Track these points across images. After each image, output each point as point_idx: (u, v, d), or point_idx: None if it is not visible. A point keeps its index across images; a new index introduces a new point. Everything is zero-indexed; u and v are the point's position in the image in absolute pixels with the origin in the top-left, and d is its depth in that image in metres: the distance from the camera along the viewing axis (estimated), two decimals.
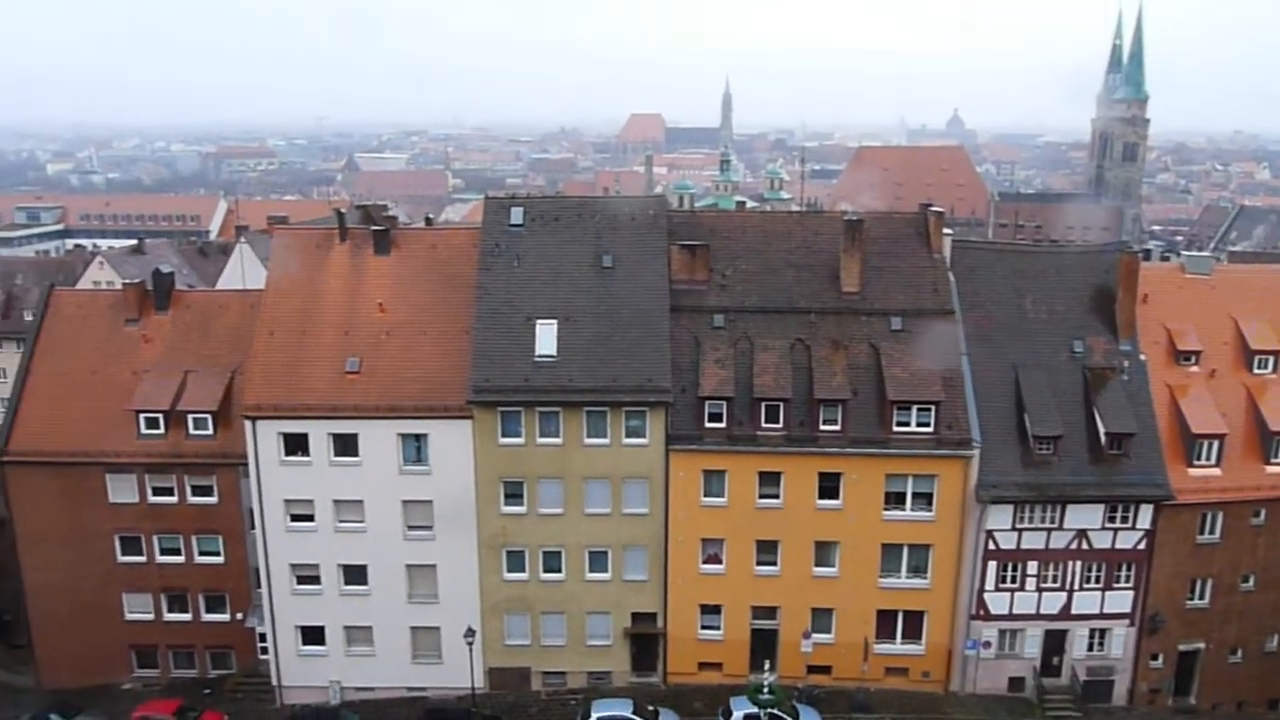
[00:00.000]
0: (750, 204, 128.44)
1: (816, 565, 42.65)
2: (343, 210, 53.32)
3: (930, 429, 40.89)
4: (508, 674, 44.74)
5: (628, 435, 41.85)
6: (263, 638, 45.75)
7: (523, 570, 43.50)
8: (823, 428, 41.26)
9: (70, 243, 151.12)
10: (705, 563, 43.12)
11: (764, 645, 43.67)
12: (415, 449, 42.60)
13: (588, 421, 41.76)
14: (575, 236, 44.63)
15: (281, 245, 46.60)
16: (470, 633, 42.47)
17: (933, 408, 40.78)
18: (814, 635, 43.24)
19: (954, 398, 41.28)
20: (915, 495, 41.65)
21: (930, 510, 41.63)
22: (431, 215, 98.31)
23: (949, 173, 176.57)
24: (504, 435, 41.99)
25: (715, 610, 43.65)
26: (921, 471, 41.26)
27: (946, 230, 45.75)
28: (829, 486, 41.75)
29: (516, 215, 45.37)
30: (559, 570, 43.49)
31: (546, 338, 42.17)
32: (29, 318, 66.95)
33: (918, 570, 42.48)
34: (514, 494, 42.71)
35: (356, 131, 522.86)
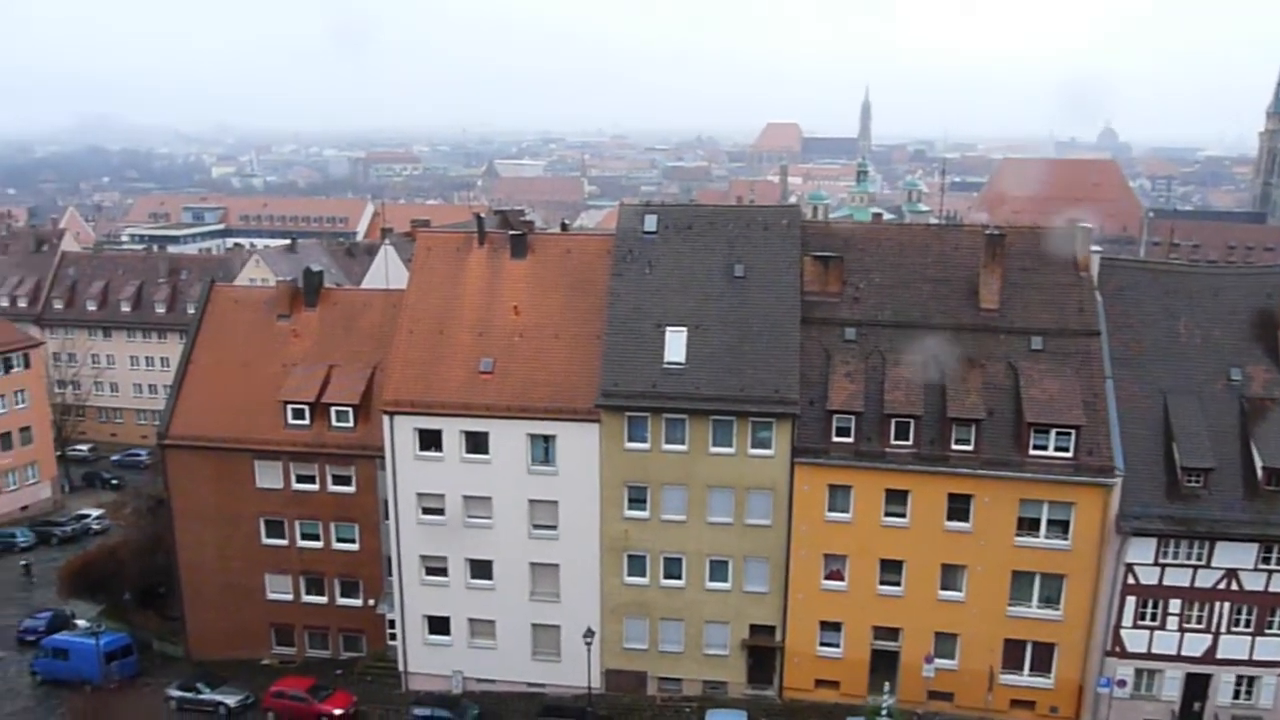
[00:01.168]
0: (887, 216, 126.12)
1: (942, 588, 41.55)
2: (482, 215, 54.86)
3: (1069, 454, 39.35)
4: (624, 676, 45.11)
5: (753, 445, 41.73)
6: (392, 624, 47.39)
7: (643, 575, 43.83)
8: (955, 447, 40.21)
9: (230, 241, 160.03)
10: (827, 578, 42.56)
11: (884, 666, 42.81)
12: (543, 449, 43.48)
13: (714, 430, 41.82)
14: (708, 245, 44.79)
15: (423, 248, 48.27)
16: (589, 633, 43.02)
17: (1073, 432, 39.24)
18: (936, 660, 42.12)
19: (1096, 423, 39.62)
20: (1050, 522, 40.12)
21: (1066, 539, 40.03)
22: (567, 221, 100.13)
23: (1099, 187, 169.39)
24: (630, 440, 42.45)
25: (835, 627, 43.03)
26: (1058, 498, 39.73)
27: (1095, 247, 44.02)
28: (959, 508, 40.63)
29: (650, 223, 45.83)
30: (679, 577, 43.65)
31: (676, 345, 42.45)
32: (191, 311, 71.26)
33: (1050, 601, 40.89)
34: (638, 499, 43.10)
35: (497, 139, 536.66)
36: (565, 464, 43.24)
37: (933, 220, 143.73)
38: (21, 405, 77.89)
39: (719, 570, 43.35)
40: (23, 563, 64.32)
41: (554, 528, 44.02)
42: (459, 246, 47.42)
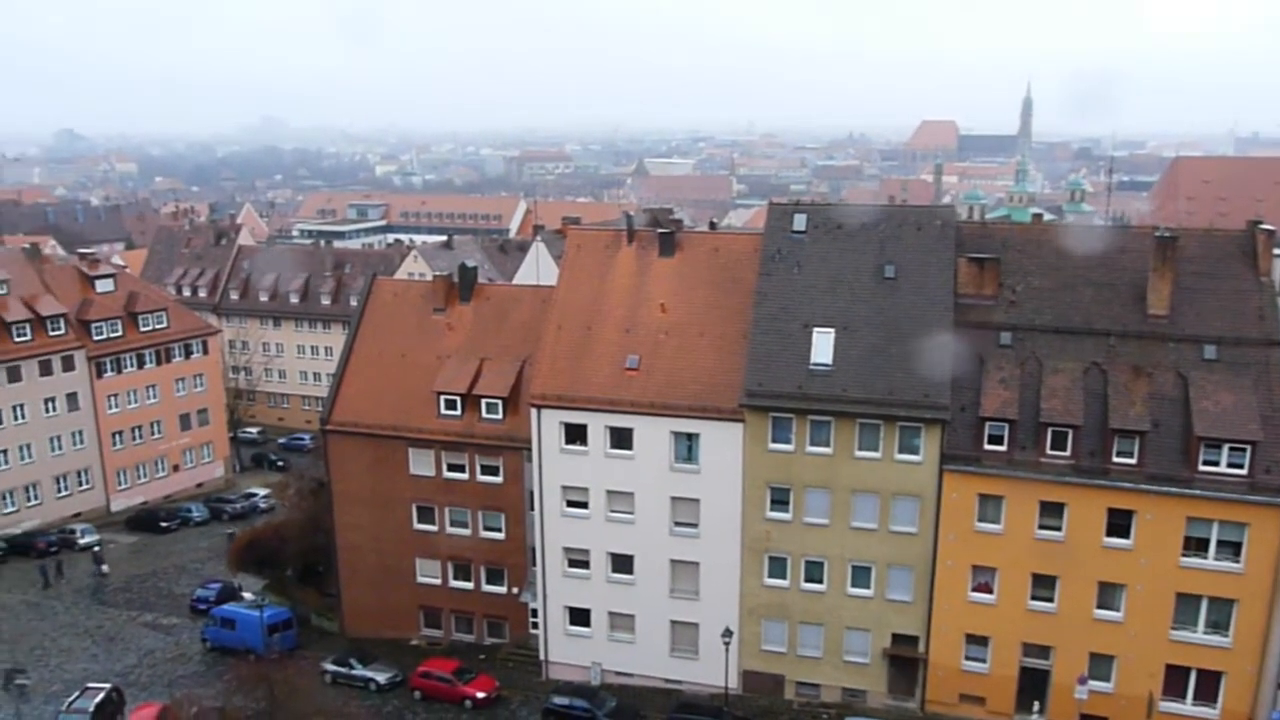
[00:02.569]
0: (1047, 217, 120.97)
1: (1099, 607, 39.60)
2: (631, 213, 55.46)
3: (1244, 471, 36.86)
4: (762, 678, 44.84)
5: (900, 450, 40.78)
6: (534, 613, 48.48)
7: (784, 577, 43.45)
8: (1116, 460, 38.26)
9: (391, 237, 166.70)
10: (975, 590, 41.19)
11: (1033, 685, 41.13)
12: (687, 447, 43.64)
13: (860, 433, 41.08)
14: (858, 245, 44.00)
15: (573, 245, 49.13)
16: (728, 633, 42.95)
17: (1248, 448, 36.74)
18: (1090, 682, 40.16)
19: (1275, 439, 36.99)
20: (1220, 543, 37.67)
21: (1238, 561, 37.53)
22: (715, 220, 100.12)
23: None
24: (774, 441, 42.14)
25: (982, 641, 41.61)
26: (1230, 518, 37.26)
27: (1278, 250, 41.05)
28: (1119, 524, 38.63)
29: (799, 222, 45.35)
30: (820, 581, 43.07)
31: (823, 346, 41.89)
32: (354, 303, 74.65)
33: (1218, 626, 38.41)
34: (780, 500, 42.75)
35: (647, 138, 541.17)
36: (708, 462, 43.29)
37: (1098, 221, 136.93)
38: (199, 389, 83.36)
39: (861, 576, 42.56)
40: (229, 532, 68.00)
41: (695, 526, 44.13)
42: (608, 244, 48.05)
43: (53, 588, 61.41)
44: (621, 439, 44.26)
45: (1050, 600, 40.17)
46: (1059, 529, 39.35)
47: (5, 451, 71.21)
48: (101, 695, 42.98)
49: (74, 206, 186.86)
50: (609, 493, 44.92)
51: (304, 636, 52.37)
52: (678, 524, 44.35)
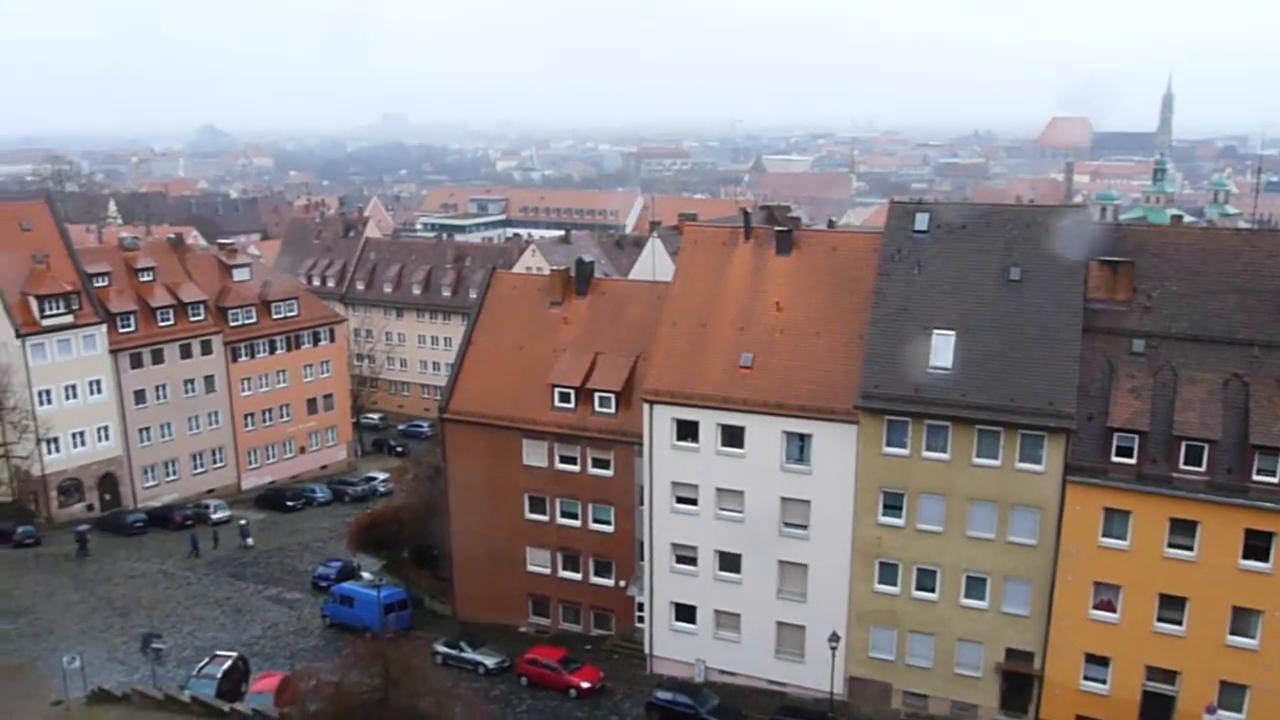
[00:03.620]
0: (1187, 219, 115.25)
1: (1232, 633, 37.54)
2: (748, 210, 55.13)
3: None
4: (868, 686, 44.08)
5: (1021, 459, 39.48)
6: (641, 607, 48.76)
7: (895, 584, 42.60)
8: (1256, 478, 36.20)
9: (510, 231, 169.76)
10: (1096, 608, 39.58)
11: (1156, 711, 39.28)
12: (799, 448, 43.19)
13: (979, 440, 39.93)
14: (982, 246, 42.74)
15: (690, 241, 49.13)
16: (835, 638, 42.36)
17: None
18: (1220, 712, 38.15)
19: None
20: None
21: None
22: (834, 218, 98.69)
23: None
24: (889, 444, 41.34)
25: (1103, 662, 39.97)
26: None
27: None
28: (1258, 546, 36.54)
29: (921, 221, 44.33)
30: (932, 590, 42.08)
31: (943, 349, 40.87)
32: (473, 295, 76.24)
33: None
34: (893, 505, 41.92)
35: (765, 134, 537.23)
36: (820, 464, 42.76)
37: (1243, 224, 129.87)
38: (326, 375, 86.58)
39: (976, 587, 41.39)
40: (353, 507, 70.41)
41: (805, 527, 43.65)
42: (725, 241, 47.90)
43: (200, 557, 64.71)
44: (733, 437, 44.10)
45: (1178, 623, 38.30)
46: (1190, 549, 37.47)
47: (148, 429, 75.37)
48: (229, 663, 45.10)
49: (215, 199, 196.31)
50: (719, 490, 44.81)
51: (417, 617, 53.84)
52: (787, 525, 43.94)
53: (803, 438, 43.03)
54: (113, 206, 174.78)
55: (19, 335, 68.57)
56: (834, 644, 42.36)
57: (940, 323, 41.43)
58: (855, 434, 41.71)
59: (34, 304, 69.28)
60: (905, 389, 40.65)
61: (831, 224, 77.41)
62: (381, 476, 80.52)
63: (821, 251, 46.21)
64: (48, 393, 69.76)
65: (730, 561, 45.50)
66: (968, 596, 41.55)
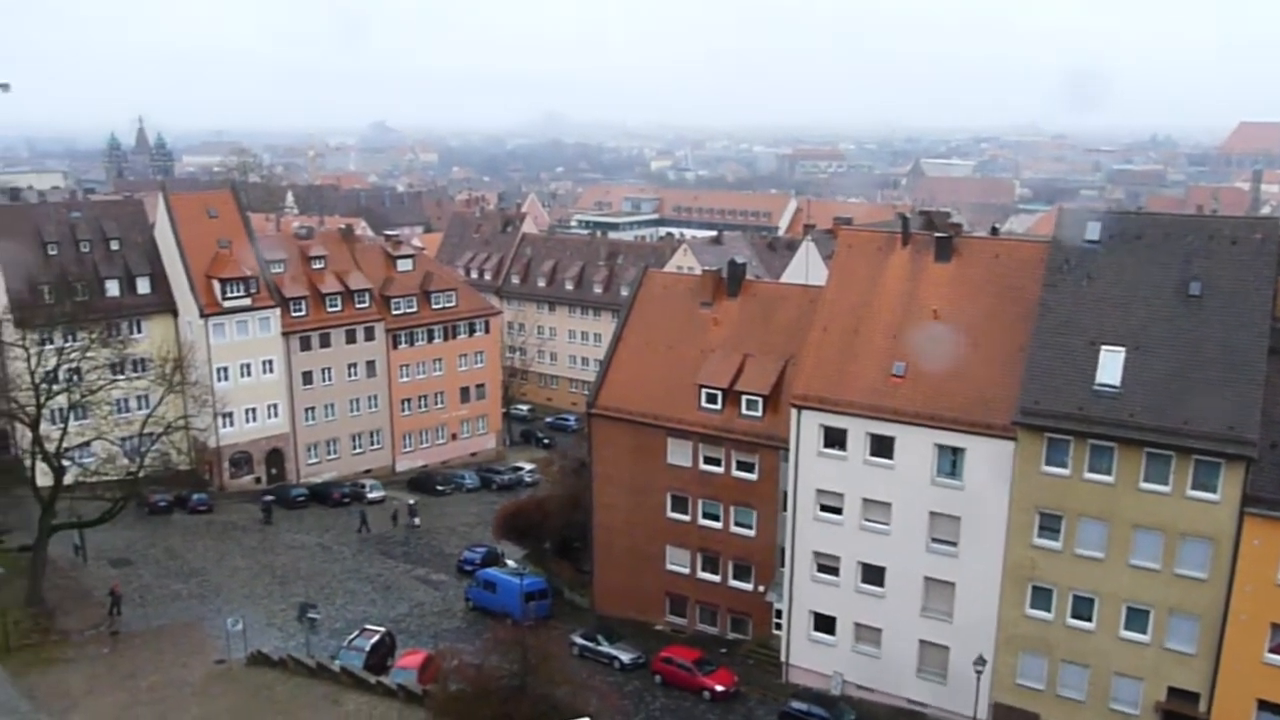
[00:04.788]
0: None
1: None
2: (906, 215, 53.71)
3: None
4: (1014, 714, 42.22)
5: (1194, 487, 37.02)
6: (779, 614, 48.16)
7: (1048, 610, 40.66)
8: None
9: (663, 230, 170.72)
10: (1272, 652, 36.75)
11: None
12: (950, 462, 41.80)
13: (1147, 464, 37.67)
14: (1159, 258, 40.29)
15: (845, 245, 48.22)
16: (981, 661, 40.78)
17: None
18: None
19: None
20: None
21: None
22: (997, 225, 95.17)
23: None
24: (1048, 463, 39.50)
25: (1278, 710, 37.11)
26: None
27: None
28: None
29: (1092, 230, 42.11)
30: (1089, 619, 39.95)
31: (1111, 366, 38.75)
32: (625, 293, 77.07)
33: None
34: (1050, 527, 40.02)
35: (926, 137, 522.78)
36: (973, 479, 41.24)
37: None
38: (479, 365, 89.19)
39: (1137, 620, 39.07)
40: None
41: (954, 544, 42.19)
42: (881, 246, 46.79)
43: (371, 532, 67.73)
44: (882, 447, 43.03)
45: None
46: None
47: (313, 409, 79.35)
48: (377, 637, 46.93)
49: (382, 192, 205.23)
50: (865, 500, 43.81)
51: (557, 607, 54.75)
52: (935, 540, 42.58)
53: (955, 451, 41.60)
54: (290, 197, 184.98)
55: (203, 315, 73.32)
56: (979, 667, 40.80)
57: (1110, 338, 39.28)
58: (1012, 451, 40.04)
59: (217, 286, 73.93)
60: (1068, 406, 38.74)
61: (994, 231, 74.46)
62: (528, 467, 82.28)
63: (983, 259, 44.55)
64: (225, 370, 74.34)
65: (873, 574, 44.43)
66: (1128, 629, 39.27)
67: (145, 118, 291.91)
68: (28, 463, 54.48)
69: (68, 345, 57.16)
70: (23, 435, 56.51)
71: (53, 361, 54.04)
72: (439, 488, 79.57)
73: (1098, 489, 38.68)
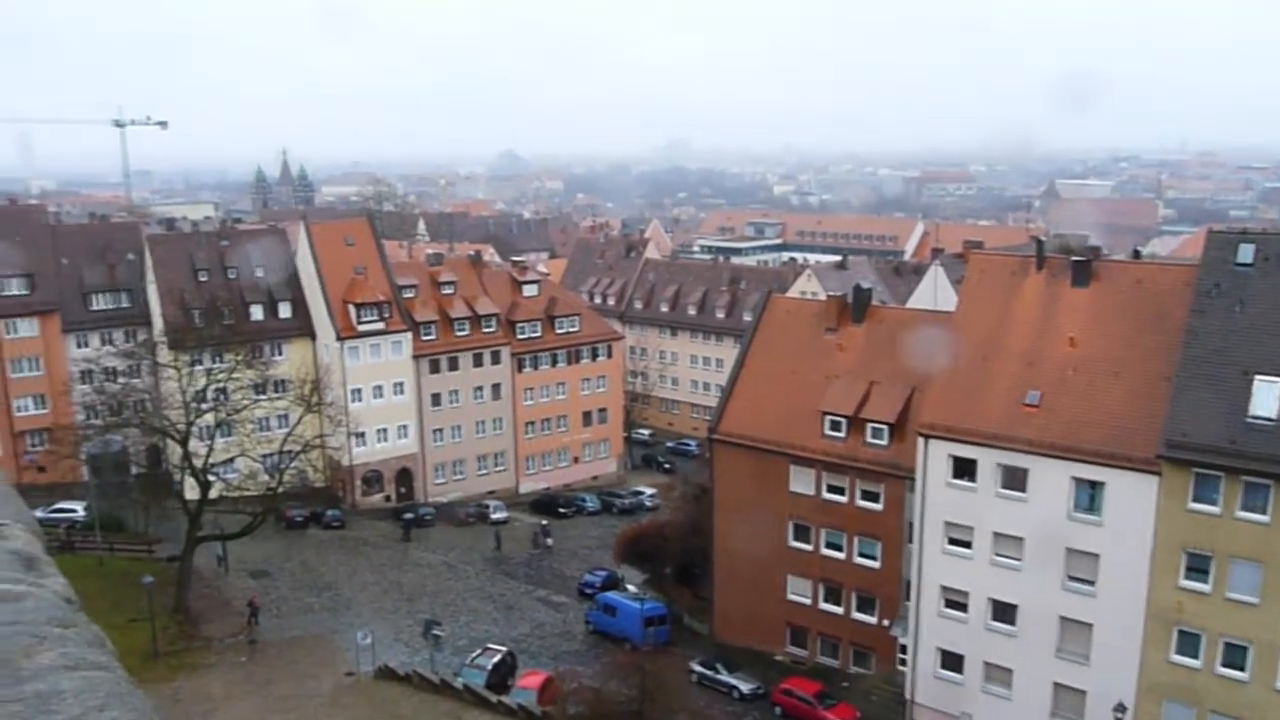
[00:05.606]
0: None
1: None
2: (1041, 238, 51.95)
3: None
4: None
5: None
6: (904, 649, 46.78)
7: (1196, 656, 38.28)
8: None
9: (786, 255, 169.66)
10: None
11: None
12: (1089, 496, 39.92)
13: None
14: None
15: (975, 270, 46.92)
16: (1121, 708, 38.61)
17: None
18: None
19: None
20: None
21: None
22: (1139, 247, 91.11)
23: None
24: (1195, 500, 37.31)
25: None
26: None
27: None
28: None
29: (1244, 253, 39.78)
30: (1242, 669, 37.42)
31: (1266, 397, 36.42)
32: (747, 318, 76.71)
33: None
34: (1198, 569, 37.73)
35: (1061, 157, 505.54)
36: (1112, 515, 39.27)
37: None
38: (602, 389, 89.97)
39: None
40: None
41: (1091, 583, 40.20)
42: (1014, 270, 45.30)
43: (502, 551, 69.08)
44: (1014, 479, 41.44)
45: None
46: None
47: (441, 430, 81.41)
48: (499, 656, 47.59)
49: (510, 219, 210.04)
50: (996, 534, 42.22)
51: (676, 634, 54.49)
52: (1071, 578, 40.66)
53: (1094, 485, 39.72)
54: (422, 225, 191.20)
55: (339, 338, 76.25)
56: (1119, 715, 38.64)
57: (1266, 368, 36.93)
58: (1156, 486, 37.99)
59: (352, 311, 76.78)
60: (1218, 440, 36.55)
61: (1136, 254, 71.26)
62: (649, 491, 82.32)
63: (1124, 284, 42.62)
64: (359, 391, 77.02)
65: (1005, 612, 42.70)
66: None
67: (289, 151, 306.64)
68: (177, 477, 57.46)
69: (215, 367, 60.33)
70: (173, 451, 59.67)
71: (201, 382, 57.09)
72: (561, 510, 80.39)
73: (1251, 529, 36.31)
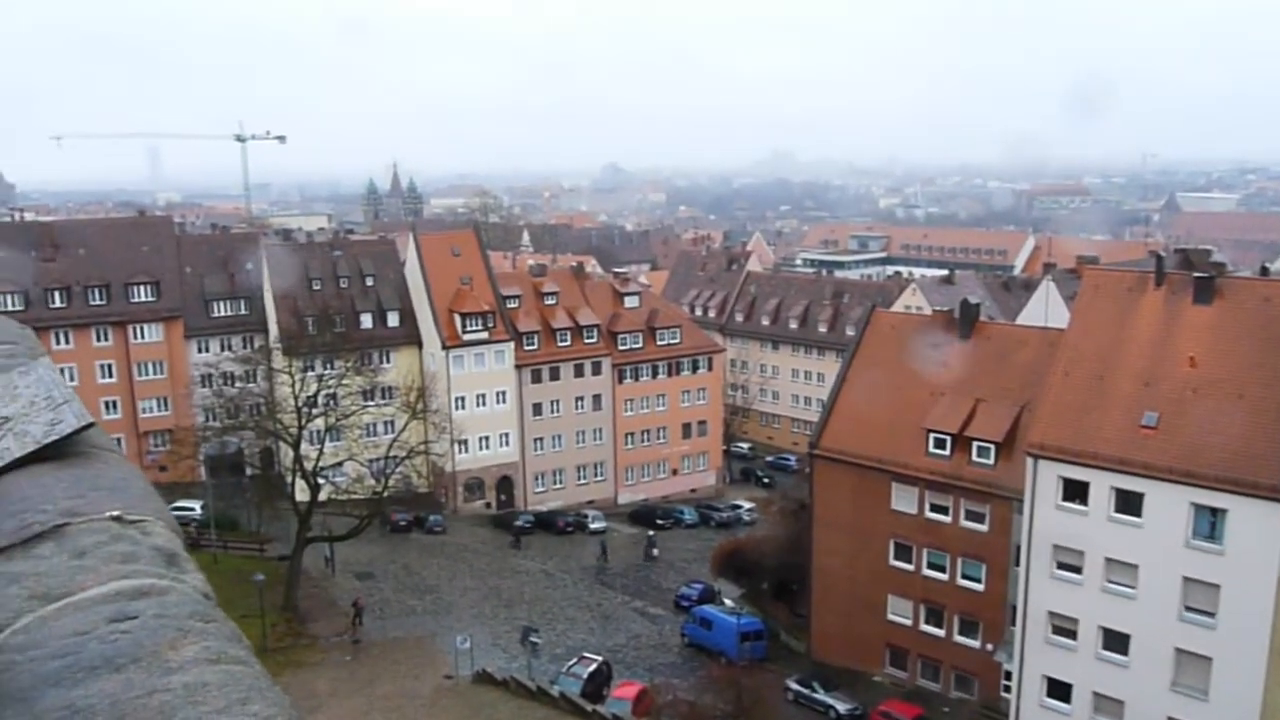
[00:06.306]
0: None
1: None
2: (1160, 253, 49.98)
3: None
4: None
5: None
6: (1008, 676, 45.35)
7: None
8: None
9: (891, 269, 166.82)
10: None
11: None
12: (1209, 523, 38.12)
13: None
14: None
15: (1090, 285, 45.39)
16: None
17: None
18: None
19: None
20: None
21: None
22: (1267, 264, 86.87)
23: None
24: None
25: None
26: None
27: None
28: None
29: None
30: None
31: None
32: (850, 332, 75.73)
33: None
34: None
35: (1182, 169, 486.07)
36: (1235, 544, 37.39)
37: None
38: (702, 402, 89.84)
39: None
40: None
41: (1211, 615, 38.32)
42: (1131, 286, 43.66)
43: (608, 561, 69.72)
44: (1129, 503, 39.85)
45: None
46: None
47: (541, 439, 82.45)
48: (594, 666, 47.85)
49: (612, 231, 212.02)
50: (1108, 560, 40.64)
51: (772, 650, 53.98)
52: (1189, 609, 38.84)
53: (1215, 512, 37.89)
54: (526, 236, 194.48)
55: (444, 347, 77.96)
56: None
57: None
58: None
59: (458, 320, 78.44)
60: None
61: (1264, 270, 67.94)
62: (747, 505, 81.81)
63: (1251, 302, 40.66)
64: (462, 399, 78.56)
65: (1116, 641, 41.04)
66: None
67: (399, 164, 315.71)
68: (288, 479, 59.50)
69: (326, 373, 62.30)
70: (285, 453, 61.85)
71: (313, 387, 59.03)
72: (658, 522, 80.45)
73: None
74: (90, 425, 2.76)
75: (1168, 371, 40.49)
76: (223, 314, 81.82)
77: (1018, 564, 43.67)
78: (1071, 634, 42.19)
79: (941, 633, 48.51)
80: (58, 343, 73.74)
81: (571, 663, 48.72)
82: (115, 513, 2.27)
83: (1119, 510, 40.10)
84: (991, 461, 45.58)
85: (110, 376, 78.11)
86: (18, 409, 2.86)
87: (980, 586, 46.65)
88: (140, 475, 2.75)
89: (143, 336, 79.32)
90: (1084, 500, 40.86)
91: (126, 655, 1.66)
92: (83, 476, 2.48)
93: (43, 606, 1.82)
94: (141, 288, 79.31)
